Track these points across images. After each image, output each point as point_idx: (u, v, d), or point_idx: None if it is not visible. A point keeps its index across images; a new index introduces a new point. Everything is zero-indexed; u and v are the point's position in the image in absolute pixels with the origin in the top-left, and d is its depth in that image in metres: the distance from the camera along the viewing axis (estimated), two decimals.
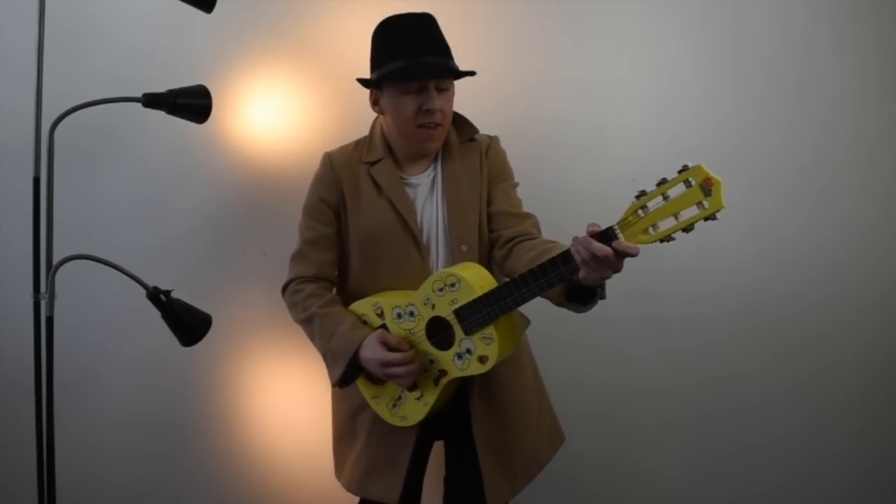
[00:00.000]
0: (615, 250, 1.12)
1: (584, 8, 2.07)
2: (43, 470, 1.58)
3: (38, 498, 1.60)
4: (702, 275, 2.08)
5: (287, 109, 2.07)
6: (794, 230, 2.07)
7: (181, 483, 2.11)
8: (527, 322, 1.64)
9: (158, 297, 1.59)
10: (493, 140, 1.60)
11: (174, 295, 1.61)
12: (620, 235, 1.13)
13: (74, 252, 1.60)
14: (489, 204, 1.53)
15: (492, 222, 1.53)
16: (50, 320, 1.57)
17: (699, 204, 1.06)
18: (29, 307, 1.60)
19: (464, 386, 1.51)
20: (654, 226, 1.11)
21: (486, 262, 1.51)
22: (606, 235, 1.14)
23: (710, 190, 1.05)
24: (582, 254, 1.15)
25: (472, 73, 1.52)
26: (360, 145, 1.60)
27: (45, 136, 1.58)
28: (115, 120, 1.94)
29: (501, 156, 1.59)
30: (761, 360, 2.09)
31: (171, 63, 2.00)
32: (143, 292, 1.59)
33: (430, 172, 1.55)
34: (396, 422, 1.50)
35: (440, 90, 1.47)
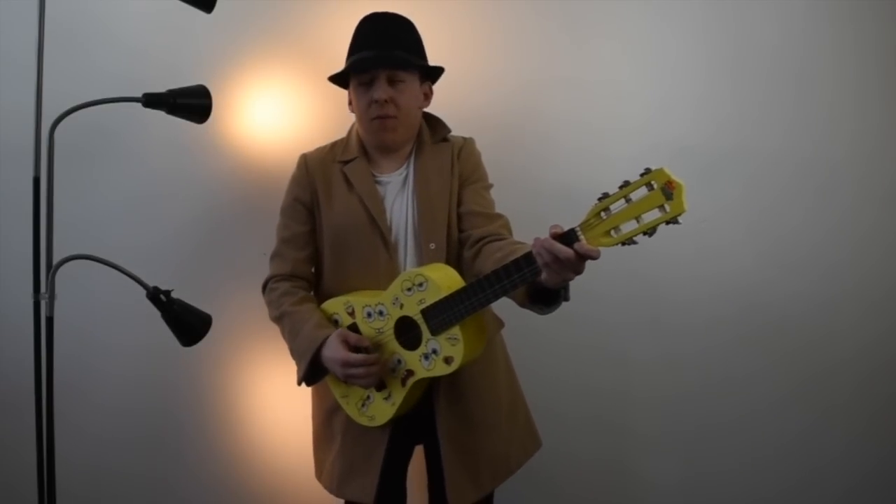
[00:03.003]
0: (576, 252, 1.11)
1: (585, 8, 2.07)
2: (43, 470, 1.58)
3: (39, 498, 1.60)
4: (701, 277, 2.08)
5: (287, 109, 2.07)
6: (794, 230, 2.07)
7: (181, 482, 2.11)
8: (500, 324, 1.65)
9: (158, 297, 1.58)
10: (467, 141, 1.61)
11: (174, 295, 1.61)
12: (582, 237, 1.12)
13: (74, 252, 1.60)
14: (460, 204, 1.54)
15: (462, 222, 1.53)
16: (50, 320, 1.57)
17: (661, 207, 1.04)
18: (29, 307, 1.60)
19: (433, 387, 1.51)
20: (616, 228, 1.10)
21: (456, 261, 1.51)
22: (568, 237, 1.13)
23: (672, 193, 1.03)
24: (544, 256, 1.14)
25: (421, 64, 1.54)
26: (336, 146, 1.64)
27: (45, 136, 1.57)
28: (115, 120, 1.94)
29: (474, 157, 1.60)
30: (761, 362, 2.09)
31: (171, 63, 2.00)
32: (143, 292, 1.59)
33: (402, 171, 1.57)
34: (365, 421, 1.51)
35: (394, 82, 1.49)
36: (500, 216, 1.54)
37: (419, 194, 1.52)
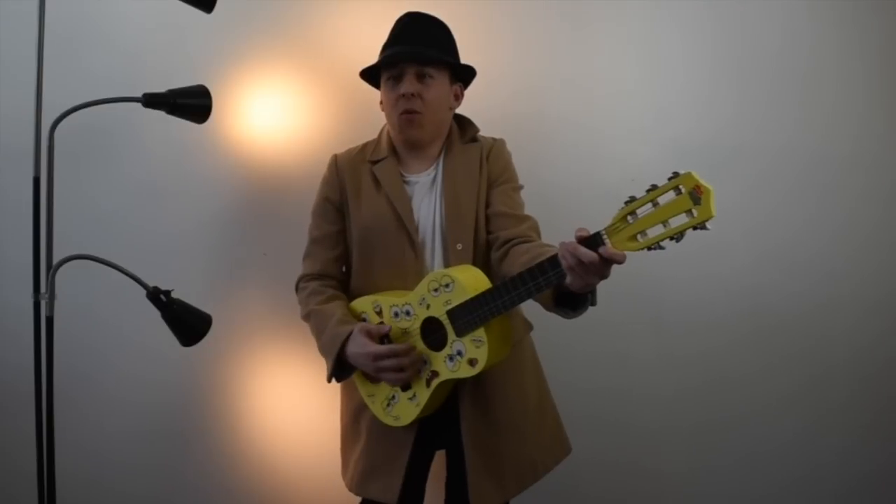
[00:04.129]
0: (601, 256, 1.10)
1: (589, 8, 2.07)
2: (43, 469, 1.58)
3: (38, 497, 1.60)
4: (703, 278, 2.08)
5: (287, 109, 2.07)
6: (796, 232, 2.07)
7: (181, 482, 2.11)
8: (529, 327, 1.64)
9: (158, 297, 1.58)
10: (497, 142, 1.60)
11: (174, 295, 1.61)
12: (608, 241, 1.11)
13: (74, 252, 1.60)
14: (488, 205, 1.53)
15: (490, 223, 1.52)
16: (50, 320, 1.57)
17: (688, 212, 1.02)
18: (29, 307, 1.60)
19: (458, 389, 1.50)
20: (643, 233, 1.08)
21: (483, 262, 1.51)
22: (593, 241, 1.12)
23: (700, 198, 1.01)
24: (568, 259, 1.14)
25: (448, 61, 1.53)
26: (367, 146, 1.64)
27: (45, 137, 1.57)
28: (116, 120, 1.94)
29: (503, 158, 1.59)
30: (762, 363, 2.09)
31: (171, 63, 2.00)
32: (143, 292, 1.59)
33: (431, 171, 1.56)
34: (390, 421, 1.51)
35: (422, 78, 1.50)
36: (528, 218, 1.53)
37: (446, 195, 1.52)
